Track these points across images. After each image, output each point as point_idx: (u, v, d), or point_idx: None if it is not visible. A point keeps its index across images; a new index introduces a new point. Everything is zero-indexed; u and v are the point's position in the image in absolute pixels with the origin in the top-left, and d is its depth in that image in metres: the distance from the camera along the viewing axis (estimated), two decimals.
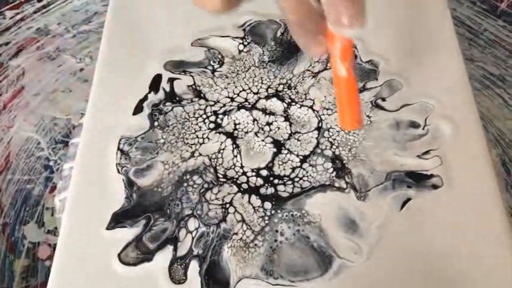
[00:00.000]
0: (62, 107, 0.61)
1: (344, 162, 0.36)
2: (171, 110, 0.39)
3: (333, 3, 0.26)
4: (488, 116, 0.59)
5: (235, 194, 0.35)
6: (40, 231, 0.53)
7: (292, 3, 0.27)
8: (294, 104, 0.39)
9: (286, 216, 0.34)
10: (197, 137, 0.38)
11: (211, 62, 0.42)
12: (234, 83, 0.41)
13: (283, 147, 0.37)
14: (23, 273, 0.51)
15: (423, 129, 0.38)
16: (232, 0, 0.28)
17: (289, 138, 0.38)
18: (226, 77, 0.41)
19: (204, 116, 0.39)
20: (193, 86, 0.40)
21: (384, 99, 0.39)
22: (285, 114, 0.39)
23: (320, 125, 0.38)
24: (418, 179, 0.36)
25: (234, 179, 0.36)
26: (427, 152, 0.37)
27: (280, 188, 0.35)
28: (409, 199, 0.35)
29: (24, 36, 0.67)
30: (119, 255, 0.33)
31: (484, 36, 0.65)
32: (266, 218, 0.34)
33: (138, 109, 0.39)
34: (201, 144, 0.37)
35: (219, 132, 0.38)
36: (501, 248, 0.33)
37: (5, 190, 0.55)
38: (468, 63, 0.63)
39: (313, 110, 0.39)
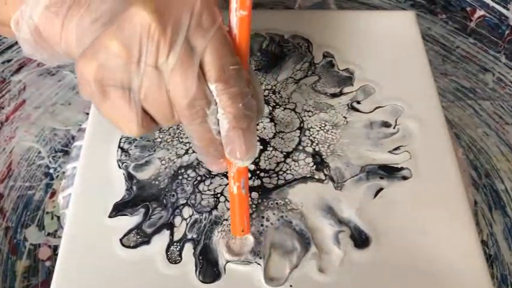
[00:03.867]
0: (61, 118, 0.64)
1: (323, 157, 0.41)
2: None
3: (229, 140, 0.31)
4: (461, 124, 0.63)
5: (226, 185, 0.39)
6: (40, 233, 0.55)
7: (197, 134, 0.32)
8: (278, 107, 0.44)
9: (271, 204, 0.38)
10: None
11: None
12: None
13: (268, 145, 0.41)
14: (24, 273, 0.53)
15: (394, 128, 0.42)
16: (149, 128, 0.32)
17: (274, 137, 0.42)
18: None
19: None
20: None
21: (359, 102, 0.44)
22: (270, 116, 0.43)
23: (302, 125, 0.43)
24: (389, 171, 0.40)
25: (225, 173, 0.40)
26: (397, 148, 0.41)
27: (266, 180, 0.39)
28: (381, 188, 0.39)
29: None
30: (120, 240, 0.36)
31: (456, 53, 0.69)
32: (253, 206, 0.38)
33: None
34: None
35: None
36: (463, 229, 0.37)
37: (7, 196, 0.57)
38: (442, 77, 0.67)
39: (295, 112, 0.43)
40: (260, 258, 0.35)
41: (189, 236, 0.36)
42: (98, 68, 0.29)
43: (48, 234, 0.55)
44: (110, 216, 0.37)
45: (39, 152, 0.60)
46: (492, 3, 0.67)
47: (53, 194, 0.58)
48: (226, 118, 0.31)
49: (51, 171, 0.59)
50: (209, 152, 0.33)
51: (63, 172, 0.57)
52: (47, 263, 0.53)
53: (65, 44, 0.31)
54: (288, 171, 0.40)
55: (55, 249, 0.53)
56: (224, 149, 0.32)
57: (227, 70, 0.30)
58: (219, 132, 0.32)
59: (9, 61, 0.68)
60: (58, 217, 0.54)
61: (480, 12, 0.68)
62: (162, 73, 0.29)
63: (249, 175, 0.40)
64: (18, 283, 0.53)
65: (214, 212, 0.38)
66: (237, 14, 0.29)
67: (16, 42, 0.70)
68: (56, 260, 0.52)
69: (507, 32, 0.67)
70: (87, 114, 0.62)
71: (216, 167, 0.34)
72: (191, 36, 0.29)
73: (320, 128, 0.42)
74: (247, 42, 0.31)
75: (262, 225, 0.37)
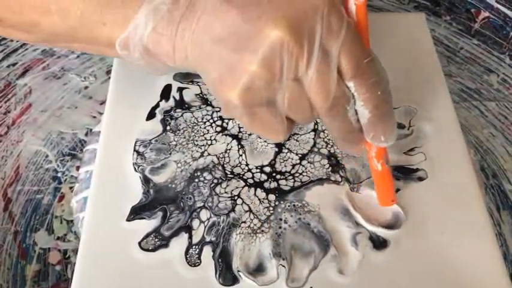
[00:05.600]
0: (68, 122, 0.64)
1: (338, 158, 0.41)
2: (181, 115, 0.43)
3: (372, 127, 0.33)
4: (467, 125, 0.64)
5: (243, 187, 0.39)
6: (50, 237, 0.55)
7: (338, 127, 0.33)
8: None
9: (289, 206, 0.38)
10: (206, 139, 0.42)
11: None
12: None
13: (283, 147, 0.41)
14: (34, 277, 0.53)
15: (408, 129, 0.43)
16: (291, 130, 0.33)
17: (288, 139, 0.42)
18: None
19: (211, 121, 0.43)
20: (201, 95, 0.45)
21: None
22: None
23: (316, 127, 0.43)
24: (405, 172, 0.40)
25: (241, 175, 0.40)
26: (412, 149, 0.41)
27: (282, 182, 0.39)
28: (398, 189, 0.39)
29: (30, 57, 0.70)
30: (139, 243, 0.36)
31: (460, 54, 0.70)
32: (271, 208, 0.38)
33: (151, 115, 0.43)
34: (209, 145, 0.41)
35: (226, 135, 0.42)
36: (480, 229, 0.37)
37: (15, 200, 0.57)
38: (447, 78, 0.68)
39: None
40: (283, 259, 0.35)
41: (208, 239, 0.36)
42: (242, 93, 0.29)
43: (58, 238, 0.55)
44: (127, 220, 0.37)
45: (47, 156, 0.60)
46: (497, 5, 0.68)
47: (62, 198, 0.57)
48: (367, 108, 0.31)
49: (59, 175, 0.59)
50: (348, 140, 0.34)
51: (72, 176, 0.57)
52: (57, 267, 0.53)
53: (179, 60, 0.32)
54: (304, 173, 0.40)
55: (65, 253, 0.53)
56: (365, 135, 0.33)
57: (362, 64, 0.30)
58: (357, 120, 0.32)
59: (14, 65, 0.68)
60: (67, 221, 0.54)
61: (485, 14, 0.68)
62: (303, 83, 0.30)
63: (265, 177, 0.40)
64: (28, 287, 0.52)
65: (232, 215, 0.38)
66: (356, 2, 0.30)
67: (21, 46, 0.70)
68: (66, 264, 0.52)
69: None
70: (94, 117, 0.62)
71: (355, 151, 0.36)
72: (325, 43, 0.29)
73: None
74: (367, 27, 0.32)
75: (280, 227, 0.37)
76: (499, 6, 0.67)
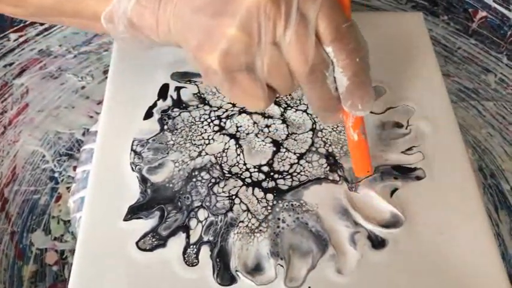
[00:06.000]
0: (65, 122, 0.63)
1: (336, 158, 0.41)
2: (179, 115, 0.43)
3: (350, 95, 0.33)
4: (465, 125, 0.64)
5: (240, 187, 0.39)
6: (47, 238, 0.55)
7: (317, 95, 0.33)
8: (289, 108, 0.44)
9: (287, 205, 0.38)
10: (203, 138, 0.42)
11: None
12: None
13: (281, 147, 0.41)
14: (31, 278, 0.53)
15: (406, 128, 0.43)
16: (272, 99, 0.34)
17: (286, 139, 0.42)
18: None
19: (209, 120, 0.43)
20: (198, 94, 0.45)
21: None
22: (282, 118, 0.43)
23: (314, 126, 0.43)
24: (403, 171, 0.40)
25: (239, 175, 0.40)
26: (410, 148, 0.41)
27: (280, 181, 0.39)
28: (396, 189, 0.39)
29: (27, 57, 0.70)
30: (136, 243, 0.36)
31: (458, 54, 0.70)
32: (269, 207, 0.38)
33: (148, 115, 0.43)
34: (207, 144, 0.41)
35: (223, 134, 0.42)
36: (479, 229, 0.37)
37: (12, 200, 0.57)
38: (445, 78, 0.68)
39: (307, 114, 0.43)
40: (281, 259, 0.35)
41: (205, 239, 0.36)
42: (221, 57, 0.30)
43: (55, 238, 0.55)
44: (125, 220, 0.37)
45: (44, 156, 0.60)
46: (494, 5, 0.68)
47: (59, 198, 0.57)
48: (345, 75, 0.32)
49: (56, 175, 0.58)
50: (327, 109, 0.34)
51: (69, 176, 0.57)
52: (54, 268, 0.53)
53: (162, 34, 0.32)
54: (302, 173, 0.40)
55: (62, 253, 0.53)
56: (343, 103, 0.33)
57: (341, 29, 0.30)
58: (335, 89, 0.33)
59: (11, 64, 0.68)
60: (64, 221, 0.54)
61: (482, 14, 0.68)
62: (281, 47, 0.30)
63: (263, 177, 0.40)
64: None
65: (230, 214, 0.37)
66: None
67: (18, 46, 0.70)
68: (63, 264, 0.52)
69: (509, 33, 0.68)
70: (91, 117, 0.62)
71: (333, 120, 0.36)
72: (302, 6, 0.29)
73: (332, 129, 0.42)
74: None
75: (278, 226, 0.37)
76: (496, 6, 0.67)
